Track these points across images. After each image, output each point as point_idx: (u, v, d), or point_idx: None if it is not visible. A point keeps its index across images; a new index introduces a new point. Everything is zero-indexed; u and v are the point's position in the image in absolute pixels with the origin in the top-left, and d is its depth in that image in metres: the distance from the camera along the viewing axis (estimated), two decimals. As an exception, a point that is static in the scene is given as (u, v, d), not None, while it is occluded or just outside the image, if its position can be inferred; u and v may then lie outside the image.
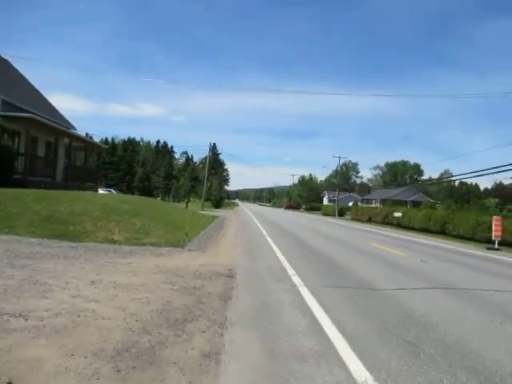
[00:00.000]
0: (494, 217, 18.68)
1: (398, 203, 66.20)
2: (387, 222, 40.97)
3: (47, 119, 20.98)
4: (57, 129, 21.18)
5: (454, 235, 27.79)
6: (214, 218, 26.21)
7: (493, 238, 18.18)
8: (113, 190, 42.05)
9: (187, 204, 44.36)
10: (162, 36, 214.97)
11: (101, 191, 34.38)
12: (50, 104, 25.95)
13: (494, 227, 18.12)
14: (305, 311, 5.39)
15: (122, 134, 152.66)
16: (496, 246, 17.68)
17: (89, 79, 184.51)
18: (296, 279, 7.61)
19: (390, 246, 15.53)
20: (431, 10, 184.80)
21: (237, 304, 5.56)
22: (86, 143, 26.35)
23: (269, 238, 15.63)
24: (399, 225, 36.93)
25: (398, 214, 34.22)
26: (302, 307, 5.59)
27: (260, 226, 22.44)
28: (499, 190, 67.54)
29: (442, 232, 30.35)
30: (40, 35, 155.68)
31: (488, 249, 17.47)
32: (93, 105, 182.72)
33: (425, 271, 9.65)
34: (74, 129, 26.81)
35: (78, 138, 25.10)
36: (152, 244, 10.79)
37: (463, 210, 38.75)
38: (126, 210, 14.39)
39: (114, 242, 10.62)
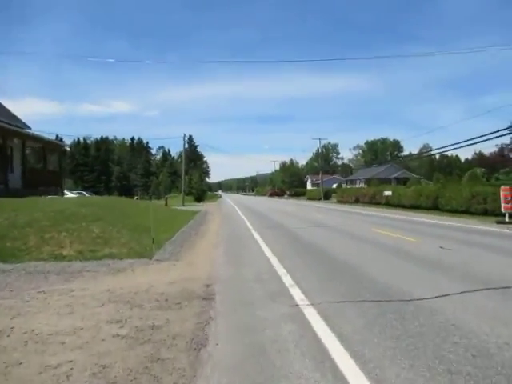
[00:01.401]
0: (502, 187, 16.99)
1: (383, 181, 65.16)
2: (375, 201, 39.66)
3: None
4: (3, 128, 18.62)
5: (448, 210, 26.58)
6: (195, 213, 24.10)
7: (503, 211, 16.53)
8: (85, 193, 39.28)
9: (167, 201, 42.02)
10: (129, 29, 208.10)
11: (70, 195, 31.84)
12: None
13: (502, 198, 16.45)
14: (321, 360, 3.43)
15: (95, 133, 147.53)
16: (507, 219, 16.03)
17: (55, 80, 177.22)
18: (295, 292, 5.65)
19: (393, 230, 13.75)
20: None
21: (215, 357, 3.56)
22: (44, 143, 23.74)
23: (255, 233, 13.66)
24: (388, 203, 35.57)
25: (388, 193, 32.73)
26: (314, 351, 3.63)
27: (244, 218, 20.45)
28: (482, 160, 66.87)
29: (435, 207, 29.11)
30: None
31: (498, 223, 15.81)
32: (62, 106, 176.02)
33: (453, 263, 7.74)
34: (29, 128, 24.18)
35: (33, 137, 22.52)
36: (111, 256, 8.69)
37: (452, 182, 37.61)
38: (84, 215, 12.20)
39: (62, 258, 8.48)
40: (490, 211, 22.58)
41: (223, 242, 11.78)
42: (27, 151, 32.02)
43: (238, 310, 4.96)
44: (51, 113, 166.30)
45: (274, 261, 8.27)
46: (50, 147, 25.09)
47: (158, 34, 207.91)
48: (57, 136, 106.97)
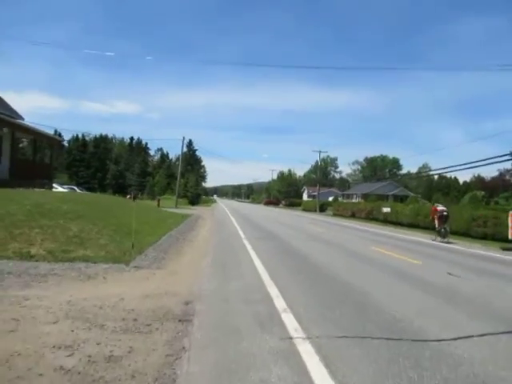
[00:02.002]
0: (511, 212, 16.21)
1: (380, 197, 64.50)
2: (372, 217, 38.93)
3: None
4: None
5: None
6: (186, 217, 23.16)
7: (510, 237, 15.72)
8: (76, 188, 38.24)
9: (159, 202, 41.10)
10: (136, 32, 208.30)
11: (60, 189, 30.83)
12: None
13: (510, 224, 15.66)
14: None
15: (96, 131, 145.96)
16: (515, 246, 15.24)
17: (61, 77, 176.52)
18: (289, 320, 4.77)
19: (395, 250, 12.90)
20: (404, 10, 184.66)
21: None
22: (36, 135, 22.80)
23: (247, 243, 12.77)
24: (386, 220, 34.81)
25: (386, 210, 31.92)
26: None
27: (237, 227, 19.55)
28: (482, 183, 66.36)
29: (433, 227, 28.45)
30: (6, 35, 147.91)
31: (505, 249, 15.00)
32: (65, 102, 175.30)
33: (468, 294, 6.88)
34: (22, 119, 23.27)
35: (24, 128, 21.59)
36: (85, 259, 7.78)
37: (452, 203, 36.92)
38: (64, 212, 11.30)
39: (29, 257, 7.55)
40: (489, 235, 21.91)
41: (212, 250, 10.88)
42: (23, 142, 31.13)
43: (219, 340, 4.08)
44: (54, 108, 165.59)
45: (266, 277, 7.38)
46: (42, 139, 24.15)
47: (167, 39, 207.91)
48: (55, 131, 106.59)
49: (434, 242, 17.34)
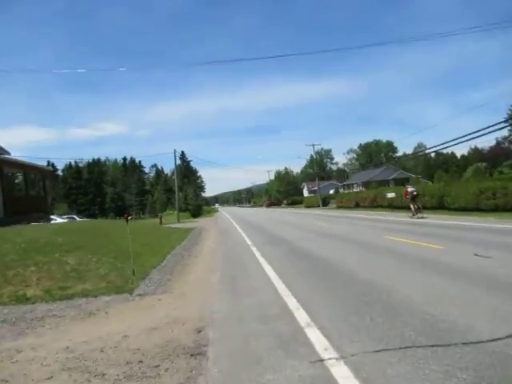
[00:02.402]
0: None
1: (381, 183, 64.01)
2: (376, 204, 38.43)
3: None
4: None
5: (455, 208, 25.41)
6: (189, 230, 22.60)
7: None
8: (76, 217, 37.73)
9: (161, 219, 40.52)
10: (109, 51, 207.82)
11: (59, 220, 30.31)
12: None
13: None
14: None
15: (87, 156, 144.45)
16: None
17: (45, 106, 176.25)
18: (315, 337, 4.18)
19: (409, 236, 12.34)
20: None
21: None
22: (26, 168, 22.28)
23: (255, 250, 12.20)
24: (391, 205, 34.27)
25: (391, 195, 31.35)
26: None
27: (242, 233, 18.97)
28: (481, 155, 65.72)
29: (440, 206, 27.96)
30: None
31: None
32: (54, 132, 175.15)
33: (504, 276, 6.32)
34: (8, 154, 22.73)
35: (13, 163, 21.07)
36: (85, 294, 7.20)
37: (455, 179, 36.41)
38: (60, 244, 10.75)
39: (25, 300, 6.99)
40: (500, 207, 21.39)
41: (220, 263, 10.31)
42: (14, 178, 30.56)
43: (240, 375, 3.50)
44: (42, 139, 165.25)
45: (281, 287, 6.81)
46: (33, 172, 23.62)
47: (141, 52, 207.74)
48: (48, 162, 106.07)
49: (445, 222, 16.76)
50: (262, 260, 10.08)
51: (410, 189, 23.15)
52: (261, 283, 7.36)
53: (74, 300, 6.91)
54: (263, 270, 8.62)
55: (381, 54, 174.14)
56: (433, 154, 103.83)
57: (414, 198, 22.00)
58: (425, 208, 28.41)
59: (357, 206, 42.54)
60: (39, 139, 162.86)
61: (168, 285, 7.96)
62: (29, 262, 8.81)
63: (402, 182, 64.84)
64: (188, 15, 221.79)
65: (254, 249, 12.55)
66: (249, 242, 14.59)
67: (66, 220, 30.52)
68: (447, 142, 31.69)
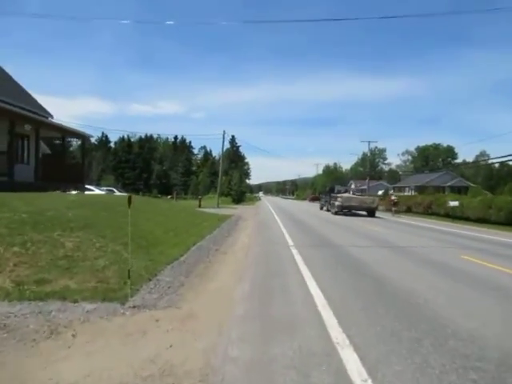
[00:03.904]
0: None
1: (436, 189, 59.57)
2: (431, 212, 35.12)
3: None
4: (11, 112, 16.03)
5: (529, 225, 22.27)
6: (225, 218, 20.66)
7: None
8: (115, 189, 36.83)
9: (200, 202, 39.11)
10: (176, 32, 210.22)
11: (97, 191, 29.41)
12: (16, 86, 20.94)
13: None
14: None
15: (142, 132, 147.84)
16: None
17: (109, 80, 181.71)
18: None
19: (495, 261, 9.72)
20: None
21: None
22: (64, 132, 21.12)
23: (296, 253, 10.00)
24: (448, 215, 30.94)
25: (454, 203, 28.04)
26: None
27: (283, 230, 16.76)
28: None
29: (509, 222, 24.69)
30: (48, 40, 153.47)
31: None
32: (115, 106, 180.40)
33: None
34: (51, 117, 21.74)
35: (50, 125, 19.94)
36: (63, 295, 5.31)
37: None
38: (67, 220, 9.06)
39: (-15, 295, 5.21)
40: None
41: (252, 268, 8.17)
42: (55, 141, 29.87)
43: None
44: (102, 111, 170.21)
45: (333, 323, 4.61)
46: (71, 137, 22.52)
47: (206, 37, 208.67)
48: (102, 133, 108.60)
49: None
50: (304, 269, 7.86)
51: (392, 197, 37.19)
52: (303, 311, 5.17)
53: (45, 303, 5.03)
54: (306, 288, 6.40)
55: (446, 55, 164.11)
56: (497, 165, 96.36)
57: (394, 204, 35.14)
58: (488, 222, 25.26)
59: (408, 210, 39.27)
60: (100, 111, 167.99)
61: (178, 293, 5.95)
62: (17, 239, 7.10)
63: (458, 190, 59.99)
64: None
65: (294, 251, 10.36)
66: (290, 242, 12.39)
67: (103, 192, 29.54)
68: None
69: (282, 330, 4.46)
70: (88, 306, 5.01)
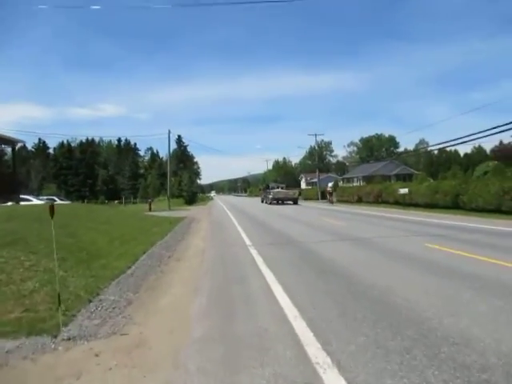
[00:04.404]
0: None
1: (383, 179, 61.31)
2: (381, 200, 35.79)
3: None
4: None
5: (472, 208, 23.02)
6: (177, 221, 19.64)
7: None
8: (56, 198, 34.46)
9: (150, 205, 37.53)
10: (114, 32, 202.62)
11: (35, 201, 27.29)
12: None
13: None
14: None
15: (84, 137, 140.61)
16: None
17: (43, 83, 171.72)
18: None
19: (453, 244, 9.58)
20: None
21: None
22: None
23: (255, 253, 9.33)
24: (397, 202, 31.65)
25: (404, 191, 28.63)
26: None
27: (239, 228, 16.07)
28: (502, 152, 62.73)
29: (455, 206, 25.44)
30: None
31: None
32: (51, 110, 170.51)
33: None
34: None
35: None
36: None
37: (467, 177, 33.68)
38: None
39: None
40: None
41: (208, 276, 7.38)
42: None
43: None
44: (38, 116, 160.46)
45: (306, 333, 3.97)
46: (-1, 144, 20.48)
47: (146, 35, 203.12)
48: (39, 139, 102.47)
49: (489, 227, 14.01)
50: (267, 274, 7.17)
51: (328, 187, 42.69)
52: (272, 325, 4.47)
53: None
54: (272, 296, 5.71)
55: (386, 49, 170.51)
56: (436, 152, 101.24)
57: (330, 193, 40.53)
58: (436, 207, 25.98)
59: (359, 200, 39.94)
60: (35, 116, 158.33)
61: (124, 315, 5.07)
62: None
63: (404, 178, 62.10)
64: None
65: (254, 252, 9.69)
66: (247, 242, 11.69)
67: (42, 202, 27.42)
68: (453, 140, 29.48)
69: (249, 353, 3.74)
70: (8, 345, 4.03)
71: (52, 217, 4.59)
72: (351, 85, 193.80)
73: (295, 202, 40.68)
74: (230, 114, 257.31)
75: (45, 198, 32.30)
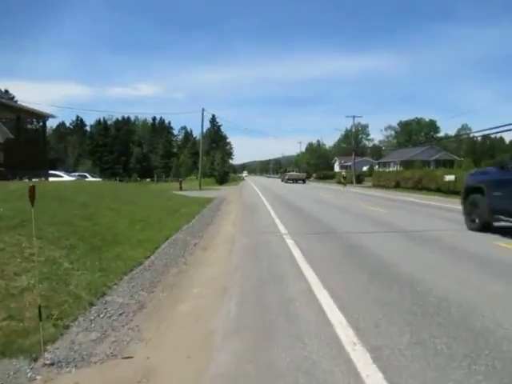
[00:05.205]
0: None
1: (422, 164, 58.52)
2: (421, 186, 33.71)
3: None
4: None
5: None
6: (207, 202, 18.65)
7: None
8: (88, 175, 34.20)
9: (181, 184, 36.90)
10: (153, 9, 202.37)
11: (66, 178, 26.98)
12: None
13: None
14: None
15: (119, 114, 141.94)
16: None
17: (85, 63, 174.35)
18: None
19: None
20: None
21: None
22: (20, 112, 18.59)
23: (291, 244, 8.14)
24: (439, 189, 29.62)
25: (450, 178, 26.57)
26: None
27: (272, 213, 14.85)
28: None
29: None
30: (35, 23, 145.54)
31: None
32: (92, 89, 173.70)
33: None
34: (8, 97, 19.11)
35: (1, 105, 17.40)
36: None
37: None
38: (-3, 217, 6.94)
39: None
40: None
41: (238, 273, 6.25)
42: (27, 125, 27.20)
43: None
44: (80, 96, 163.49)
45: (372, 373, 2.77)
46: (29, 118, 19.98)
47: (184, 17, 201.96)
48: (77, 116, 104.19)
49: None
50: (309, 274, 5.92)
51: (343, 173, 50.05)
52: (322, 353, 3.28)
53: None
54: (319, 306, 4.50)
55: (428, 31, 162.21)
56: (479, 138, 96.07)
57: (344, 178, 45.15)
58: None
59: (397, 186, 37.94)
60: (76, 94, 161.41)
61: (131, 326, 4.00)
62: None
63: (444, 164, 58.89)
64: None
65: (290, 242, 8.48)
66: (282, 229, 10.50)
67: (73, 178, 27.11)
68: (500, 126, 27.02)
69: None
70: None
71: (32, 204, 3.52)
72: (391, 68, 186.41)
73: (304, 182, 55.88)
74: (266, 95, 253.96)
75: (76, 174, 32.09)
